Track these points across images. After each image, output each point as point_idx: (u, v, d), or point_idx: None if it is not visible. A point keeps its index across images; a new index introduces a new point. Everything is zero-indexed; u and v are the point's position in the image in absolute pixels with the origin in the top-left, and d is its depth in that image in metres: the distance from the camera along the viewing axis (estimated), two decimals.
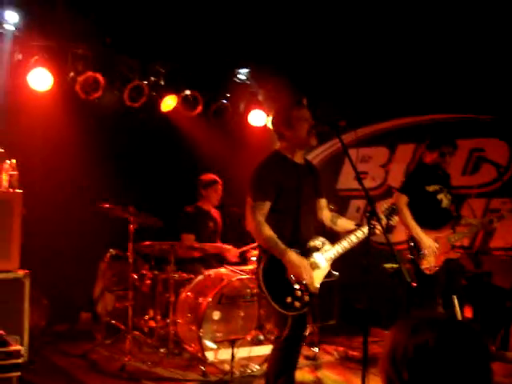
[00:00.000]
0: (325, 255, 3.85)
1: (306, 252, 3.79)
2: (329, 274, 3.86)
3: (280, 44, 6.74)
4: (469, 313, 5.99)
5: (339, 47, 6.92)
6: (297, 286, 3.66)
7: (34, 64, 6.04)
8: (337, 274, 3.89)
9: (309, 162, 4.14)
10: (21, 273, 4.62)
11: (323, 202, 4.18)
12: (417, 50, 6.72)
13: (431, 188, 5.27)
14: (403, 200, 5.17)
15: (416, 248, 5.15)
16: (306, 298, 3.70)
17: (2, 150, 4.85)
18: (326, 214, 4.19)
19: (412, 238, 5.19)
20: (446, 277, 5.20)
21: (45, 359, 5.53)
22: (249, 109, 7.79)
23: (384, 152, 7.92)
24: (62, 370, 5.36)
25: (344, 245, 3.90)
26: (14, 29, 5.88)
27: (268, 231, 3.69)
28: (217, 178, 6.53)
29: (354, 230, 3.95)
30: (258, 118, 7.81)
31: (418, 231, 5.12)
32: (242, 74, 7.58)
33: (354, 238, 3.92)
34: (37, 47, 6.05)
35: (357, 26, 6.62)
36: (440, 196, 5.29)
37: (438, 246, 5.12)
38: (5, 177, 4.83)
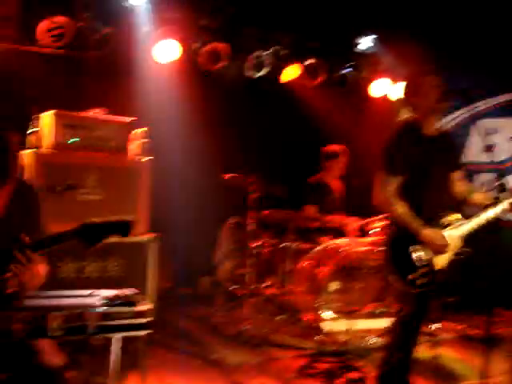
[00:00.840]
0: (457, 231, 3.71)
1: (440, 227, 3.68)
2: (460, 252, 3.73)
3: (407, 8, 6.49)
4: None
5: (468, 14, 6.57)
6: (421, 265, 3.58)
7: (160, 35, 6.21)
8: (468, 250, 3.74)
9: (444, 132, 3.95)
10: (148, 237, 4.82)
11: (458, 174, 3.99)
12: None
13: None
14: None
15: None
16: (432, 275, 3.61)
17: (132, 119, 5.04)
18: (460, 187, 4.00)
19: None
20: None
21: (168, 321, 5.80)
22: (373, 77, 7.60)
23: None
24: (184, 331, 5.60)
25: (481, 220, 3.74)
26: (140, 2, 6.06)
27: (401, 207, 3.61)
28: (339, 150, 6.38)
29: (492, 205, 3.76)
30: (381, 88, 7.61)
31: None
32: (366, 42, 7.39)
33: (491, 214, 3.73)
34: (163, 19, 6.21)
35: None
36: None
37: None
38: (135, 144, 5.04)
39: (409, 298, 3.65)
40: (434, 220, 3.67)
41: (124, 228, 2.69)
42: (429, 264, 3.60)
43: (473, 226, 3.73)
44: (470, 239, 3.74)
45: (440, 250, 3.60)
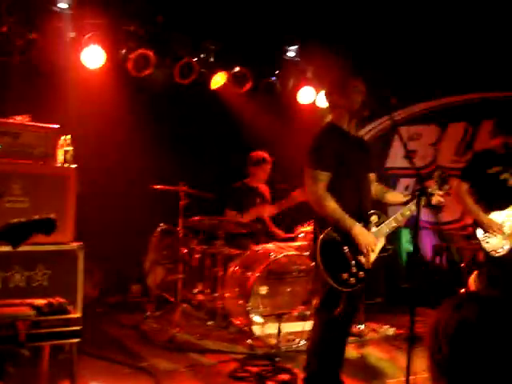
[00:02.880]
0: (382, 229, 3.86)
1: (367, 226, 3.80)
2: (384, 249, 3.88)
3: (329, 20, 6.68)
4: None
5: (391, 22, 6.82)
6: (353, 262, 3.68)
7: (87, 41, 6.14)
8: (391, 247, 3.90)
9: (360, 136, 4.16)
10: (75, 244, 4.76)
11: (373, 176, 4.17)
12: (469, 29, 6.57)
13: (493, 170, 5.09)
14: (463, 187, 5.08)
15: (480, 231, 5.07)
16: (361, 274, 3.71)
17: (58, 126, 4.96)
18: (375, 187, 4.18)
19: (475, 222, 5.11)
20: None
21: (97, 329, 5.72)
22: (298, 86, 7.75)
23: (434, 130, 7.81)
24: (113, 339, 5.54)
25: (398, 218, 3.90)
26: (67, 7, 5.99)
27: (333, 203, 3.66)
28: (266, 157, 6.54)
29: (407, 203, 3.94)
30: (307, 95, 7.77)
31: (480, 214, 5.02)
32: (292, 50, 7.54)
33: (407, 211, 3.91)
34: (90, 25, 6.14)
35: (408, 1, 6.51)
36: (504, 175, 5.09)
37: (505, 227, 5.01)
38: (60, 152, 4.96)
39: (338, 298, 3.72)
40: (361, 219, 3.78)
41: (48, 226, 2.67)
42: (360, 262, 3.71)
43: (393, 224, 3.89)
44: (390, 237, 3.90)
45: (371, 248, 3.71)
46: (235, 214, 6.30)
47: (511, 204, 5.11)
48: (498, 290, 5.02)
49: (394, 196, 4.22)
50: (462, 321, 1.44)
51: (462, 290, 5.62)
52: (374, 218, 3.85)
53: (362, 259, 3.72)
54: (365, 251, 3.69)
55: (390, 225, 3.89)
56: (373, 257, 3.77)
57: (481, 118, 7.28)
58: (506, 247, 4.96)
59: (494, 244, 4.98)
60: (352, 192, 3.82)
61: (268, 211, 6.45)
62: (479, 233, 5.02)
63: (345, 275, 3.66)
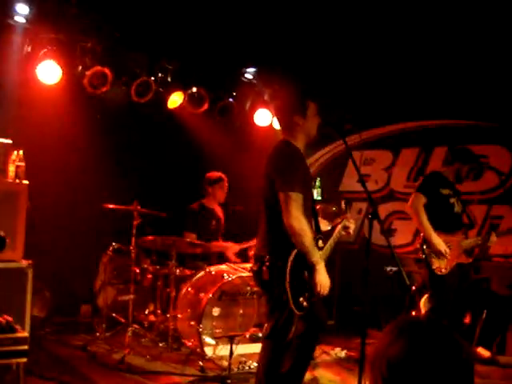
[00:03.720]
0: (325, 252, 3.87)
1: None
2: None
3: (287, 45, 6.76)
4: (468, 319, 6.03)
5: (346, 49, 6.95)
6: (308, 287, 3.68)
7: (42, 56, 6.06)
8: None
9: None
10: (24, 263, 4.65)
11: None
12: (423, 56, 6.75)
13: (445, 191, 5.27)
14: (421, 200, 5.17)
15: (427, 249, 5.17)
16: (312, 299, 3.73)
17: (10, 141, 4.87)
18: None
19: (425, 239, 5.21)
20: (458, 280, 5.24)
21: (45, 350, 5.59)
22: (255, 108, 7.80)
23: (387, 155, 7.96)
24: (62, 360, 5.41)
25: (332, 242, 3.92)
26: (24, 21, 5.91)
27: (309, 232, 3.63)
28: (223, 176, 6.58)
29: (332, 230, 3.97)
30: (264, 118, 7.82)
31: (431, 233, 5.12)
32: (249, 73, 7.61)
33: (337, 235, 3.95)
34: (46, 40, 6.07)
35: (364, 29, 6.65)
36: (452, 200, 5.30)
37: (449, 249, 5.14)
38: (11, 168, 4.86)
39: (292, 320, 3.70)
40: (316, 241, 3.78)
41: None
42: (310, 287, 3.72)
43: (329, 249, 3.90)
44: (341, 263, 3.93)
45: (328, 283, 3.70)
46: (194, 236, 6.25)
47: (456, 230, 5.26)
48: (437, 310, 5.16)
49: (322, 224, 4.11)
50: (393, 360, 1.44)
51: (413, 313, 5.70)
52: (320, 242, 3.84)
53: (318, 287, 3.71)
54: (318, 290, 3.67)
55: (331, 247, 3.91)
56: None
57: (433, 144, 7.46)
58: (448, 268, 5.12)
59: (440, 263, 5.10)
60: (311, 215, 3.83)
61: (232, 252, 6.44)
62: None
63: (301, 298, 3.67)
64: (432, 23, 6.32)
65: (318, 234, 3.85)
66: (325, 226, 4.14)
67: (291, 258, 3.62)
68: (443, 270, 5.11)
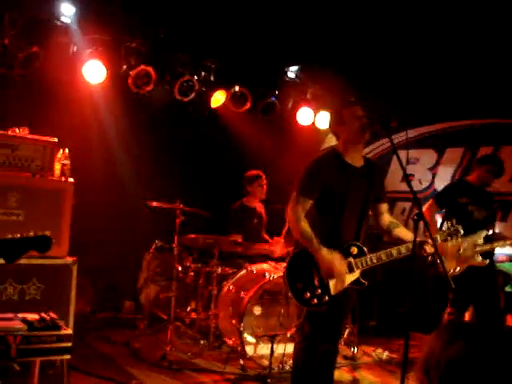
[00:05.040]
0: (357, 262, 3.79)
1: (345, 256, 3.77)
2: (357, 282, 3.80)
3: (331, 42, 6.71)
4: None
5: (392, 47, 6.86)
6: (318, 284, 3.68)
7: (88, 56, 6.16)
8: (365, 282, 3.81)
9: (370, 164, 4.02)
10: (69, 259, 4.73)
11: (384, 206, 4.07)
12: (472, 54, 6.61)
13: (463, 200, 5.51)
14: (433, 208, 5.59)
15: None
16: (326, 298, 3.70)
17: (56, 140, 4.95)
18: (384, 220, 4.06)
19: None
20: (469, 284, 5.25)
21: (89, 345, 5.68)
22: (297, 107, 7.77)
23: (432, 155, 7.83)
24: (104, 356, 5.49)
25: (381, 257, 3.79)
26: (69, 22, 6.01)
27: (305, 226, 3.73)
28: (260, 173, 6.59)
29: (400, 244, 3.80)
30: (306, 117, 7.78)
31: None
32: (292, 71, 7.58)
33: (394, 252, 3.78)
34: (91, 40, 6.17)
35: (412, 27, 6.54)
36: (471, 208, 5.47)
37: (460, 252, 5.13)
38: (57, 166, 4.95)
39: (309, 316, 3.76)
40: (337, 247, 3.75)
41: (42, 244, 2.65)
42: (325, 286, 3.69)
43: (373, 260, 3.78)
44: (367, 273, 3.85)
45: (332, 274, 3.67)
46: (241, 237, 6.24)
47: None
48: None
49: (402, 232, 4.00)
50: (451, 361, 1.45)
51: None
52: (353, 249, 3.80)
53: (330, 284, 3.69)
54: (325, 277, 3.67)
55: (370, 260, 3.79)
56: (340, 285, 3.73)
57: (479, 143, 7.31)
58: (457, 270, 5.22)
59: (446, 265, 5.02)
60: (332, 221, 3.81)
61: (279, 248, 6.26)
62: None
63: (307, 294, 3.67)
64: (481, 24, 6.19)
65: (355, 241, 3.83)
66: (409, 236, 3.83)
67: (292, 255, 3.82)
68: (450, 273, 5.09)
